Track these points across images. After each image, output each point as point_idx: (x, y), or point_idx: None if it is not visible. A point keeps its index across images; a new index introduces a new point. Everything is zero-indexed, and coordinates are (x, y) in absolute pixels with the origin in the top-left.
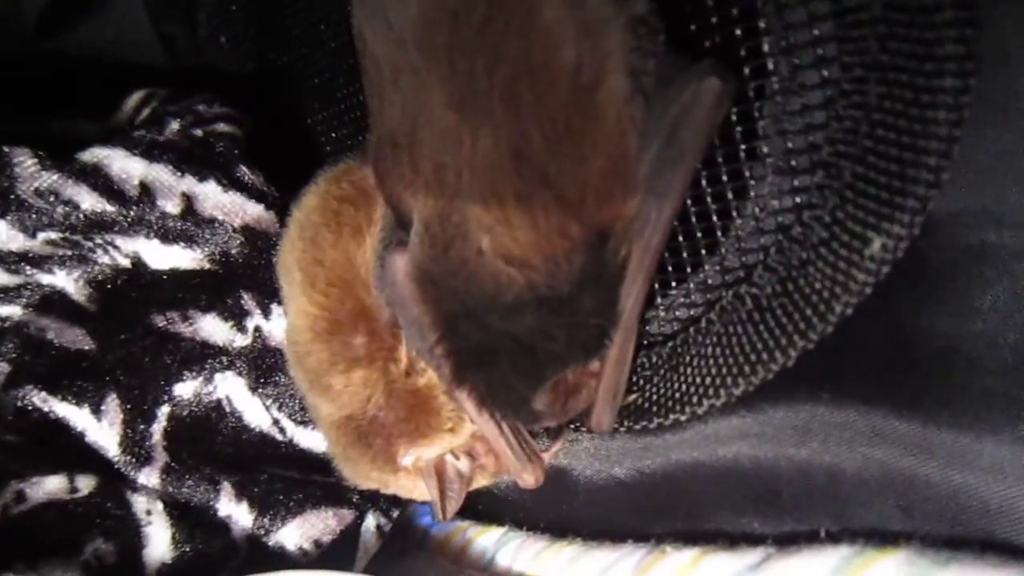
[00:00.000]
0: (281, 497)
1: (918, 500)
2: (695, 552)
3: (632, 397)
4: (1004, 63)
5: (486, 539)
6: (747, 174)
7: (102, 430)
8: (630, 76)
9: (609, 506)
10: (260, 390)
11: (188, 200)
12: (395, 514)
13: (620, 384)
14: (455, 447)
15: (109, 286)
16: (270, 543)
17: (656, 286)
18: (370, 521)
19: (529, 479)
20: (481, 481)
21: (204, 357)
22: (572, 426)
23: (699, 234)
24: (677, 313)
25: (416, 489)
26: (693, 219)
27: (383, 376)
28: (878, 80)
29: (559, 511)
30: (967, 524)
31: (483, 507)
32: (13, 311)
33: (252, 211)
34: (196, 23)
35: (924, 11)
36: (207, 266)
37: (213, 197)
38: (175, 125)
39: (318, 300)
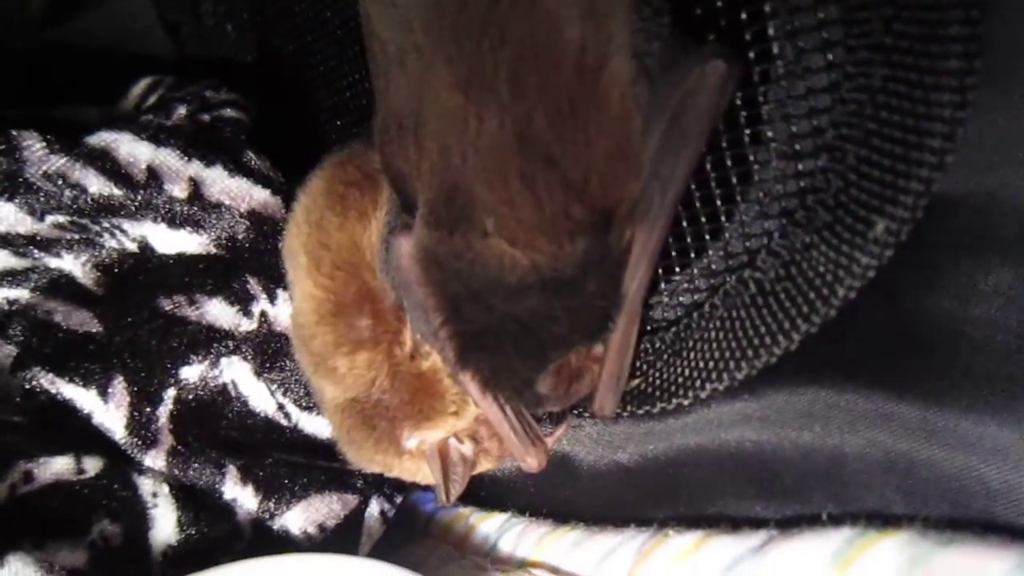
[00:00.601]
0: (286, 481)
1: (920, 482)
2: (698, 536)
3: (635, 382)
4: (1010, 46)
5: (489, 525)
6: (751, 159)
7: (109, 412)
8: (635, 58)
9: (612, 491)
10: (265, 375)
11: (195, 184)
12: (399, 500)
13: (623, 369)
14: (459, 431)
15: (116, 270)
16: (275, 527)
17: (660, 271)
18: (374, 507)
19: (533, 463)
20: (485, 465)
21: (210, 341)
22: (575, 411)
23: (703, 219)
24: (681, 298)
25: (420, 472)
26: (697, 203)
27: (388, 359)
28: (883, 62)
29: (562, 496)
30: (968, 506)
31: (485, 493)
32: (21, 294)
33: (258, 196)
34: (201, 12)
35: None
36: (213, 250)
37: (220, 182)
38: (182, 110)
39: (323, 283)
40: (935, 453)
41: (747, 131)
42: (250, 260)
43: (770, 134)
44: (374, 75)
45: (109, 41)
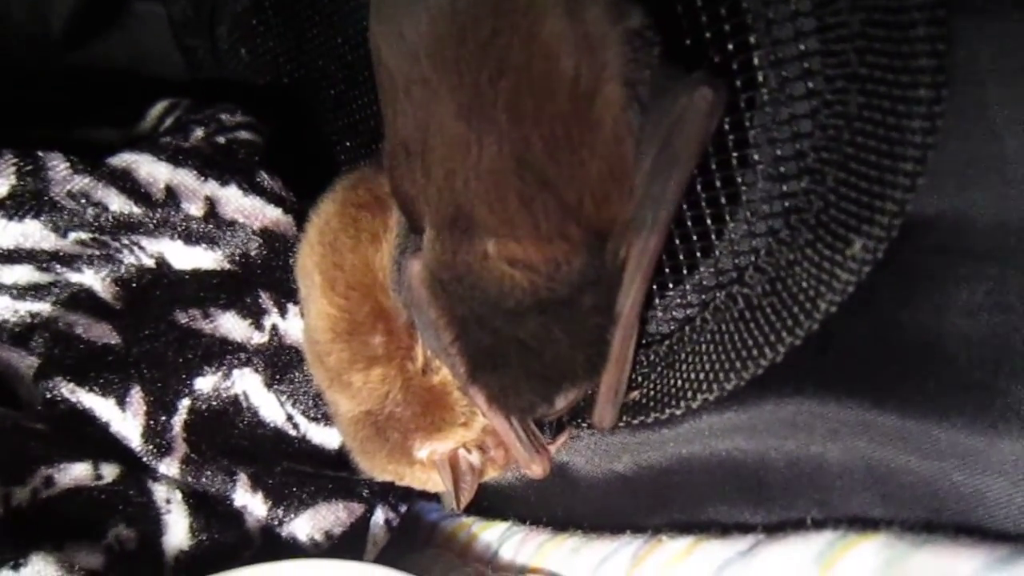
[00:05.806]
0: (294, 489)
1: (896, 488)
2: (689, 540)
3: (633, 394)
4: (974, 77)
5: (490, 533)
6: (739, 180)
7: (126, 421)
8: (626, 86)
9: (608, 499)
10: (276, 386)
11: (210, 203)
12: (403, 509)
13: (621, 382)
14: (468, 441)
15: (134, 284)
16: (283, 533)
17: (655, 287)
18: (379, 515)
19: (537, 470)
20: (491, 473)
21: (223, 353)
22: (575, 422)
23: (695, 236)
24: (674, 313)
25: (429, 481)
26: (689, 222)
27: (400, 373)
28: (858, 91)
29: (561, 505)
30: (942, 510)
31: (488, 503)
32: (43, 307)
33: (271, 215)
34: (217, 36)
35: (899, 27)
36: (227, 266)
37: (234, 201)
38: (199, 132)
39: (338, 302)
40: (910, 460)
41: (735, 154)
42: (262, 276)
43: (756, 157)
44: (382, 103)
45: (127, 63)
